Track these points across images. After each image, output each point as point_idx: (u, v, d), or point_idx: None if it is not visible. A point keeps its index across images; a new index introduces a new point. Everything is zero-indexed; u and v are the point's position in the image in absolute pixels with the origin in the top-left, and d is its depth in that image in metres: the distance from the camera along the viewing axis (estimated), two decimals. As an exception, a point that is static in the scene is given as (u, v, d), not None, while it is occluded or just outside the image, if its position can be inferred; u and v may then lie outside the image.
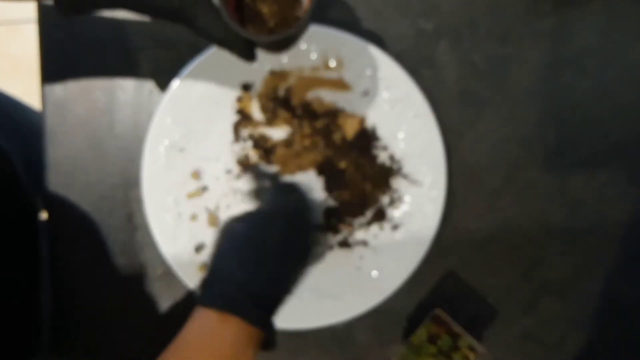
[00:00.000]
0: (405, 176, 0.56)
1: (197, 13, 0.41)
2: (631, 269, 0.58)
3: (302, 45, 0.54)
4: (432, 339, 0.53)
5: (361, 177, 0.55)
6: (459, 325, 0.53)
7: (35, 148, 0.71)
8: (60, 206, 0.56)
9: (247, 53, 0.44)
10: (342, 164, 0.55)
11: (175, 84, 0.54)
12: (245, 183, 0.55)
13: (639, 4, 0.58)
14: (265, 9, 0.46)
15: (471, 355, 0.52)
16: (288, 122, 0.55)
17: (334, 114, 0.55)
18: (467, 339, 0.53)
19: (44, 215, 0.69)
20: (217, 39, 0.42)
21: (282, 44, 0.45)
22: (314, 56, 0.55)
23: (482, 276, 0.57)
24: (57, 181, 0.56)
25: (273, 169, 0.55)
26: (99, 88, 0.56)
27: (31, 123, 0.73)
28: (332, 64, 0.55)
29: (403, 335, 0.57)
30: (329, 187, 0.55)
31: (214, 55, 0.54)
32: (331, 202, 0.55)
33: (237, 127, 0.55)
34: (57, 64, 0.57)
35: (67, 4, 0.39)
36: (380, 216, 0.56)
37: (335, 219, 0.55)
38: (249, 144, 0.55)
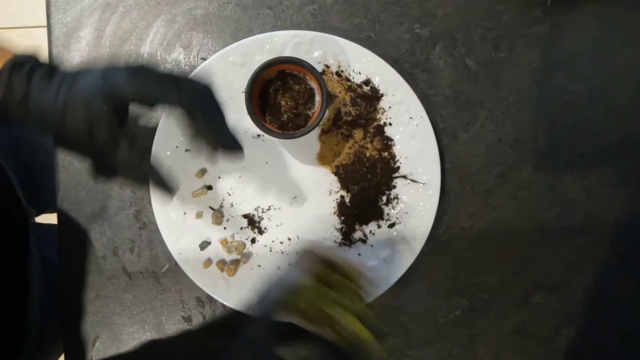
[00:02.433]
0: (401, 176, 0.58)
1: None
2: (621, 266, 0.60)
3: (303, 51, 0.57)
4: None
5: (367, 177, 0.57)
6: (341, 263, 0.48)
7: (32, 156, 0.71)
8: (69, 204, 0.59)
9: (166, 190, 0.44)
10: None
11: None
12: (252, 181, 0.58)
13: (628, 10, 0.60)
14: (283, 102, 0.54)
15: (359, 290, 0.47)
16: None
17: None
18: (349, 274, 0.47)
19: (36, 220, 0.71)
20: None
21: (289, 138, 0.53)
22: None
23: (476, 273, 0.59)
24: (66, 180, 0.59)
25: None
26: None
27: (23, 138, 0.73)
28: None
29: None
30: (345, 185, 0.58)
31: (217, 60, 0.56)
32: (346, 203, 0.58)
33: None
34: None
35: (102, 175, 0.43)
36: (377, 214, 0.58)
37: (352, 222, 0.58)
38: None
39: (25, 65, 0.41)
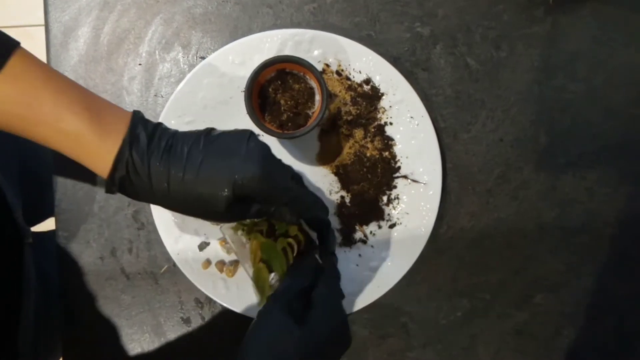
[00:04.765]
0: (402, 176, 0.58)
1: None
2: (620, 266, 0.60)
3: (304, 49, 0.56)
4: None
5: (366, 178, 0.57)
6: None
7: (36, 160, 0.70)
8: (67, 205, 0.58)
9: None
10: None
11: (180, 86, 0.56)
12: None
13: (628, 10, 0.60)
14: (282, 101, 0.54)
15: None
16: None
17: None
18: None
19: (37, 230, 0.70)
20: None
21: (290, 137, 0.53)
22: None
23: (476, 273, 0.59)
24: (64, 181, 0.58)
25: None
26: (106, 90, 0.58)
27: (25, 144, 0.71)
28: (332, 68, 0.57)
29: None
30: (345, 186, 0.58)
31: (216, 58, 0.56)
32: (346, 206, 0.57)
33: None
34: (64, 67, 0.59)
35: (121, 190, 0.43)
36: (378, 215, 0.58)
37: (352, 222, 0.58)
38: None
39: (141, 139, 0.40)
